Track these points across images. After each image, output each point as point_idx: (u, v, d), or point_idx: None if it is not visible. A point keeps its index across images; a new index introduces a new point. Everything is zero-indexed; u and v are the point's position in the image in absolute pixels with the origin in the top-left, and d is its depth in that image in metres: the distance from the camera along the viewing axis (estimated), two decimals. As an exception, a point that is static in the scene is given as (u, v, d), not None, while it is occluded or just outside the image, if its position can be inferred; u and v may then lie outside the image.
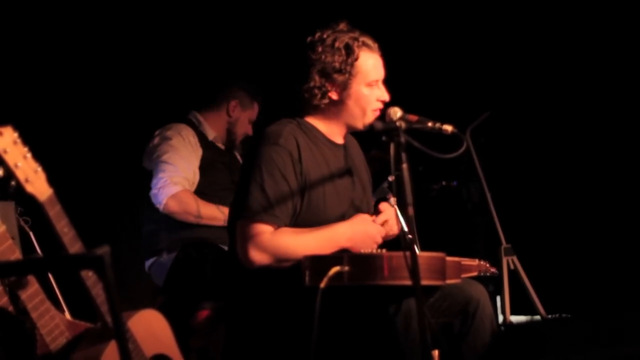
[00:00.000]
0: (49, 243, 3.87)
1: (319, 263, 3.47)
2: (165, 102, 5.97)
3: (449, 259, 3.64)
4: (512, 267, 5.65)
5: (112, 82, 6.01)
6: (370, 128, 3.68)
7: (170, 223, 5.14)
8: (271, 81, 5.15)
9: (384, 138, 3.34)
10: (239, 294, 3.77)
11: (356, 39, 3.84)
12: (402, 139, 3.24)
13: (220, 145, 5.42)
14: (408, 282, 3.25)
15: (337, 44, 3.81)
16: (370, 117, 3.85)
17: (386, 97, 3.88)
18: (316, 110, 3.89)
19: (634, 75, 6.16)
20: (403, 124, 3.28)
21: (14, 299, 2.99)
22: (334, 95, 3.84)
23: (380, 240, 3.81)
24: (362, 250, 3.72)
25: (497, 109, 5.66)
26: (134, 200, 5.30)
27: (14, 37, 5.62)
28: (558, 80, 6.38)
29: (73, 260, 2.68)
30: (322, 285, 3.35)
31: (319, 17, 4.01)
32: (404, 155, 3.19)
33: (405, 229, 4.71)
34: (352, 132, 4.01)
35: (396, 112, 3.64)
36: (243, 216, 3.69)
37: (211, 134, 5.37)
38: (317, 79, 3.81)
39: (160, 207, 5.08)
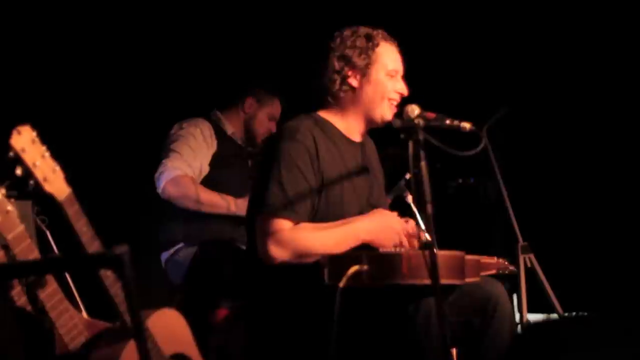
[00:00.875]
0: (65, 242, 3.88)
1: (337, 262, 3.46)
2: (187, 101, 5.95)
3: (467, 257, 3.62)
4: (529, 265, 5.62)
5: (132, 80, 6.00)
6: (389, 125, 3.67)
7: (185, 215, 5.13)
8: (292, 78, 5.15)
9: (402, 136, 3.33)
10: (258, 292, 3.76)
11: (374, 32, 3.88)
12: (421, 136, 3.22)
13: (239, 141, 5.42)
14: (427, 282, 3.24)
15: (357, 33, 3.86)
16: (387, 107, 3.87)
17: (405, 90, 3.90)
18: (334, 103, 3.89)
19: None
20: (421, 122, 3.26)
21: (32, 298, 2.99)
22: (353, 82, 3.85)
23: (403, 236, 3.78)
24: (385, 245, 3.71)
25: (514, 105, 5.64)
26: (150, 198, 5.28)
27: (32, 35, 5.62)
28: (576, 77, 6.35)
29: (92, 259, 2.67)
30: (342, 284, 3.33)
31: (337, 18, 4.02)
32: (422, 153, 3.17)
33: (422, 227, 4.71)
34: (370, 131, 4.00)
35: (414, 110, 3.62)
36: (262, 212, 3.68)
37: (230, 130, 5.38)
38: (336, 64, 3.83)
39: (160, 190, 5.08)
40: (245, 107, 5.42)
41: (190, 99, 5.97)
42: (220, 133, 5.34)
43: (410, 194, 4.73)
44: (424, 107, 3.66)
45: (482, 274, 3.79)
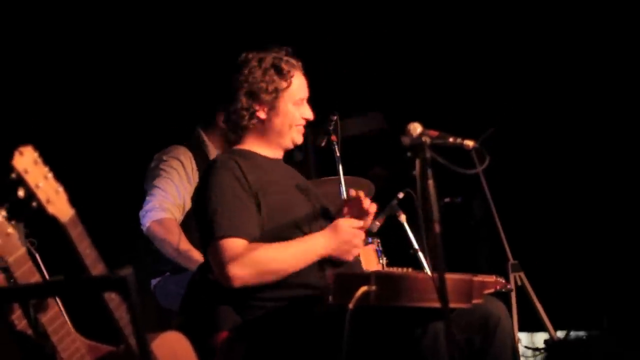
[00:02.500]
0: (54, 265, 3.84)
1: (343, 280, 3.43)
2: (179, 121, 5.93)
3: (474, 279, 3.60)
4: (519, 283, 5.64)
5: (131, 103, 6.00)
6: (398, 143, 3.64)
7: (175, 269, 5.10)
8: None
9: (409, 154, 3.30)
10: (258, 312, 3.74)
11: (280, 59, 3.94)
12: (428, 154, 3.19)
13: None
14: (435, 304, 3.20)
15: (263, 65, 3.92)
16: (296, 133, 3.99)
17: (311, 115, 4.02)
18: (245, 133, 3.99)
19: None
20: (428, 140, 3.23)
21: (33, 322, 2.94)
22: (261, 114, 3.95)
23: (361, 244, 3.85)
24: (346, 258, 3.78)
25: (500, 125, 5.64)
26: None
27: (31, 59, 5.61)
28: (563, 95, 6.38)
29: (97, 282, 2.64)
30: (351, 306, 3.29)
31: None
32: (429, 172, 3.14)
33: (416, 246, 4.68)
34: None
35: (416, 128, 3.58)
36: (214, 238, 3.70)
37: (212, 152, 5.31)
38: (244, 101, 3.92)
39: (144, 229, 5.04)
40: (219, 122, 5.35)
41: (183, 119, 5.94)
42: (202, 161, 5.25)
43: (403, 212, 4.72)
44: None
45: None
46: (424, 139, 3.20)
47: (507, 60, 6.42)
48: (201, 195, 3.83)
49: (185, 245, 5.02)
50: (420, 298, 3.37)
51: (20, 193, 2.58)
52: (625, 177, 6.27)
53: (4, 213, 2.73)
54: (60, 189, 2.66)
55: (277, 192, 3.84)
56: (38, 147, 2.62)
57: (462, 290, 3.49)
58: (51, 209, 2.62)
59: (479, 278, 3.73)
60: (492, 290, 3.90)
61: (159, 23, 6.11)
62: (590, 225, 6.32)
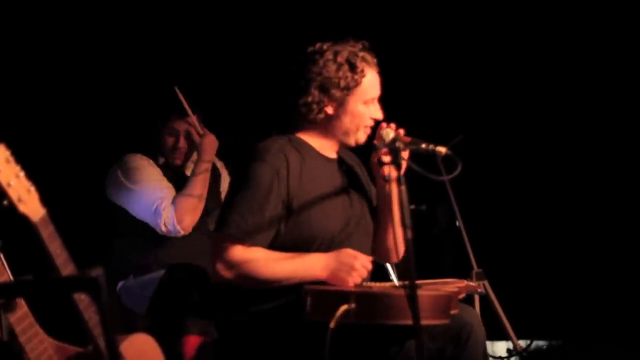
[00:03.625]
0: (18, 265, 3.81)
1: (321, 297, 3.42)
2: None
3: (449, 289, 3.60)
4: (483, 291, 5.65)
5: (100, 101, 5.97)
6: (372, 149, 3.64)
7: (140, 247, 5.08)
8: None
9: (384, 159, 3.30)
10: (232, 323, 3.71)
11: (356, 54, 3.78)
12: (400, 160, 3.20)
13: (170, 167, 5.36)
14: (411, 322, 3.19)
15: (338, 59, 3.75)
16: (362, 134, 3.82)
17: (380, 115, 3.84)
18: (309, 125, 3.83)
19: (617, 101, 6.22)
20: (401, 145, 3.23)
21: (1, 321, 2.92)
22: (329, 110, 3.78)
23: (362, 274, 3.65)
24: (344, 284, 3.61)
25: (469, 131, 5.66)
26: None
27: (6, 54, 5.56)
28: (528, 103, 6.41)
29: (67, 282, 2.61)
30: (332, 325, 3.27)
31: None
32: (402, 178, 3.15)
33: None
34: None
35: (388, 133, 3.59)
36: (218, 231, 3.66)
37: (160, 160, 5.33)
38: (315, 94, 3.75)
39: (173, 223, 5.02)
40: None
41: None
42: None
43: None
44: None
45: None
46: (397, 144, 3.19)
47: (474, 67, 6.44)
48: (236, 177, 3.77)
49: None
50: (398, 316, 3.36)
51: (-9, 191, 2.56)
52: (589, 184, 6.31)
53: (-27, 213, 2.70)
54: (32, 188, 2.63)
55: (311, 206, 3.72)
56: (10, 146, 2.59)
57: (441, 306, 3.48)
58: (22, 208, 2.59)
59: (453, 285, 3.73)
60: (463, 295, 3.91)
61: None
62: (555, 234, 6.35)
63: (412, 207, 5.97)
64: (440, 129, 5.61)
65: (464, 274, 5.67)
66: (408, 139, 3.46)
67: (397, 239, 3.82)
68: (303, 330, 3.46)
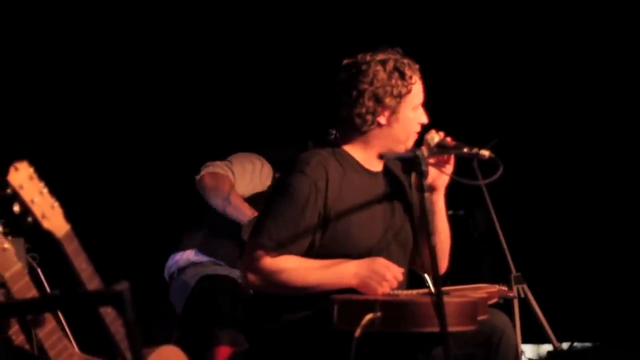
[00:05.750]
0: (56, 280, 3.84)
1: (348, 306, 3.41)
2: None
3: (478, 295, 3.58)
4: (522, 295, 5.62)
5: (129, 114, 6.01)
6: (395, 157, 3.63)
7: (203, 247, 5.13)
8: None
9: (406, 166, 3.30)
10: (263, 335, 3.72)
11: (402, 62, 3.75)
12: (424, 167, 3.19)
13: None
14: (437, 329, 3.18)
15: (387, 67, 3.72)
16: (411, 141, 3.79)
17: (426, 120, 3.82)
18: (359, 136, 3.79)
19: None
20: (426, 153, 3.23)
21: (30, 337, 2.95)
22: (382, 120, 3.74)
23: (392, 284, 3.63)
24: (373, 293, 3.59)
25: (504, 135, 5.64)
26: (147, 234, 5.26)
27: (35, 73, 5.62)
28: (566, 106, 6.37)
29: (92, 297, 2.63)
30: (357, 334, 3.28)
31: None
32: (425, 184, 3.14)
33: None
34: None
35: (433, 138, 3.60)
36: (254, 237, 3.66)
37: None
38: (370, 105, 3.71)
39: (197, 178, 5.10)
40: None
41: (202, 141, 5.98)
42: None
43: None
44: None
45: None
46: (418, 152, 3.19)
47: (509, 70, 6.42)
48: (276, 187, 3.78)
49: (235, 197, 5.09)
50: (424, 323, 3.34)
51: (16, 208, 2.59)
52: (628, 187, 6.26)
53: (0, 228, 2.74)
54: (56, 204, 2.66)
55: (349, 219, 3.69)
56: (33, 163, 2.62)
57: (468, 312, 3.45)
58: (46, 224, 2.63)
59: (483, 291, 3.71)
60: (495, 300, 3.88)
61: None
62: (594, 236, 6.30)
63: (450, 212, 6.01)
64: (471, 133, 5.61)
65: (503, 277, 5.63)
66: (453, 143, 3.45)
67: (441, 250, 3.79)
68: (332, 340, 3.45)
